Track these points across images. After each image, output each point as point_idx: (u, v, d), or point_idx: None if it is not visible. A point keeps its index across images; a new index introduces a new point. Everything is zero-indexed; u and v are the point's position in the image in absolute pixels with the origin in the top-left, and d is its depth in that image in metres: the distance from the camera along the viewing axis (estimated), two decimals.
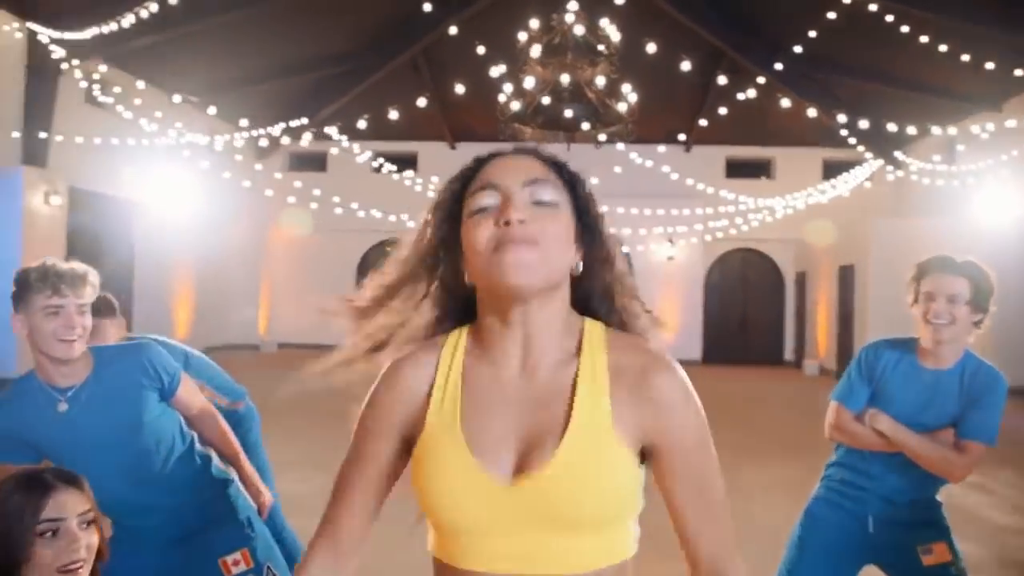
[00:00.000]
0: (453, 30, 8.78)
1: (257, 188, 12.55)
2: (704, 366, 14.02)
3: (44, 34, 8.43)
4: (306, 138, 11.18)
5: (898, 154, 11.36)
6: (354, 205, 11.84)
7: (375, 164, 12.84)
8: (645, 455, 0.96)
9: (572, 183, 1.02)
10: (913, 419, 2.13)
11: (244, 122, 10.40)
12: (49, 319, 1.78)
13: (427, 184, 13.74)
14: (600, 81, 7.95)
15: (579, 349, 0.97)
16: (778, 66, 8.54)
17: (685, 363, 1.01)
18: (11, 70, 8.70)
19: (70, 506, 1.38)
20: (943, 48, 7.26)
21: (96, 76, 8.84)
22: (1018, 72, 7.49)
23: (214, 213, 12.59)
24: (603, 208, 1.05)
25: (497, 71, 8.58)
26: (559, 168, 1.02)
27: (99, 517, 1.45)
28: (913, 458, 2.09)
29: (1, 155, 8.58)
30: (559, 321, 0.97)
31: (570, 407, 0.92)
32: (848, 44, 9.74)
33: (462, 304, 1.04)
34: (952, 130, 9.00)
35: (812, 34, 7.76)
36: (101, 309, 2.47)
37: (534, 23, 8.15)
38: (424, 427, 0.97)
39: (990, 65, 7.18)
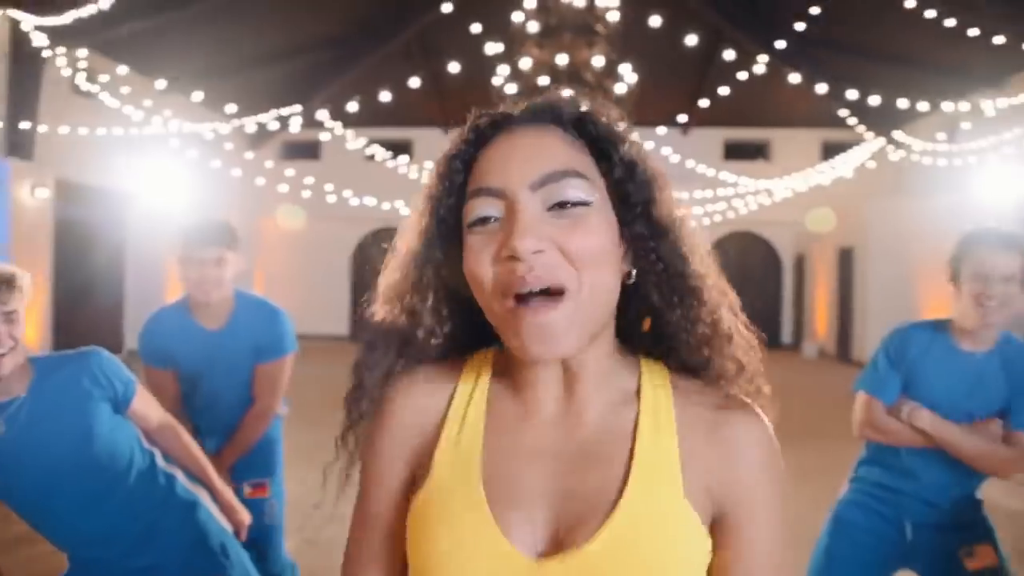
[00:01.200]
0: (448, 7, 8.53)
1: (249, 177, 12.35)
2: None
3: (26, 20, 8.20)
4: (297, 125, 10.97)
5: (898, 133, 11.21)
6: (347, 193, 11.63)
7: (368, 152, 12.64)
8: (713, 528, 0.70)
9: (602, 143, 0.71)
10: (957, 407, 1.94)
11: (234, 109, 10.19)
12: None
13: (422, 170, 13.57)
14: (598, 62, 7.77)
15: (639, 387, 0.73)
16: (780, 44, 8.37)
17: None
18: None
19: None
20: (950, 23, 7.08)
21: (82, 64, 8.61)
22: None
23: (206, 203, 12.37)
24: (663, 179, 0.74)
25: (492, 53, 8.38)
26: (583, 128, 0.72)
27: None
28: (958, 456, 1.89)
29: None
30: (607, 356, 0.73)
31: (629, 458, 0.68)
32: (850, 21, 9.56)
33: (479, 322, 0.75)
34: (955, 107, 8.86)
35: (815, 10, 7.59)
36: (226, 240, 2.32)
37: (530, 3, 7.95)
38: (431, 471, 0.72)
39: (999, 39, 7.00)
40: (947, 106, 8.65)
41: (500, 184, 0.67)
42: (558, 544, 0.66)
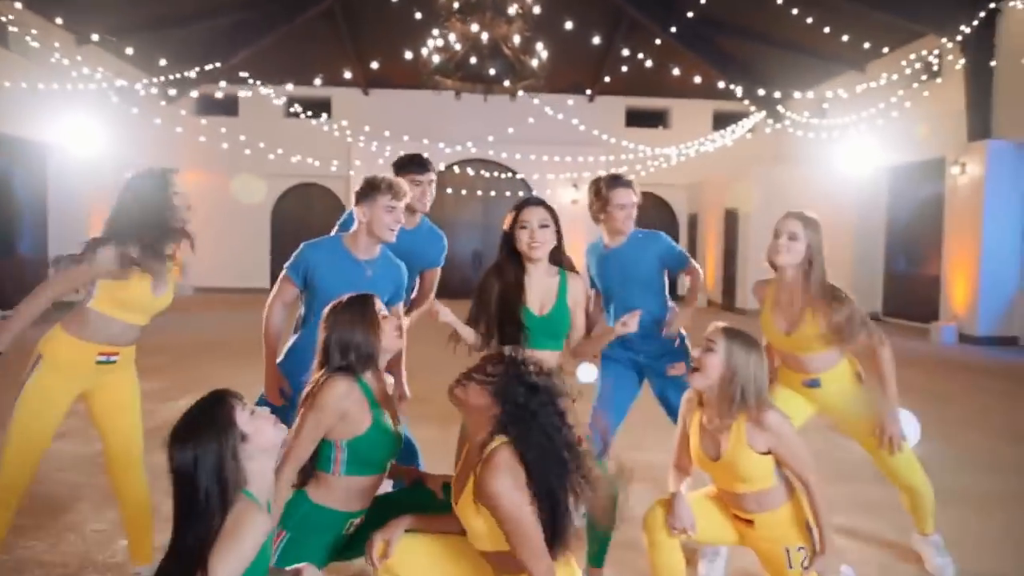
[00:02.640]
0: None
1: (169, 131, 12.57)
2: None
3: None
4: (221, 82, 11.27)
5: (779, 108, 12.66)
6: (274, 152, 12.07)
7: (291, 109, 13.03)
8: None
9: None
10: (625, 279, 3.18)
11: (160, 64, 10.42)
12: (387, 213, 2.64)
13: (342, 129, 14.07)
14: (516, 39, 8.62)
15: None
16: (674, 25, 9.43)
17: None
18: None
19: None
20: (809, 20, 8.36)
21: (10, 16, 8.73)
22: (866, 45, 8.72)
23: (127, 156, 12.51)
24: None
25: (416, 25, 9.08)
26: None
27: None
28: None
29: None
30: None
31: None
32: (734, 8, 10.78)
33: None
34: (821, 89, 10.26)
35: None
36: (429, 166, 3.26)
37: None
38: None
39: (845, 37, 8.34)
40: (808, 87, 10.01)
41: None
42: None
